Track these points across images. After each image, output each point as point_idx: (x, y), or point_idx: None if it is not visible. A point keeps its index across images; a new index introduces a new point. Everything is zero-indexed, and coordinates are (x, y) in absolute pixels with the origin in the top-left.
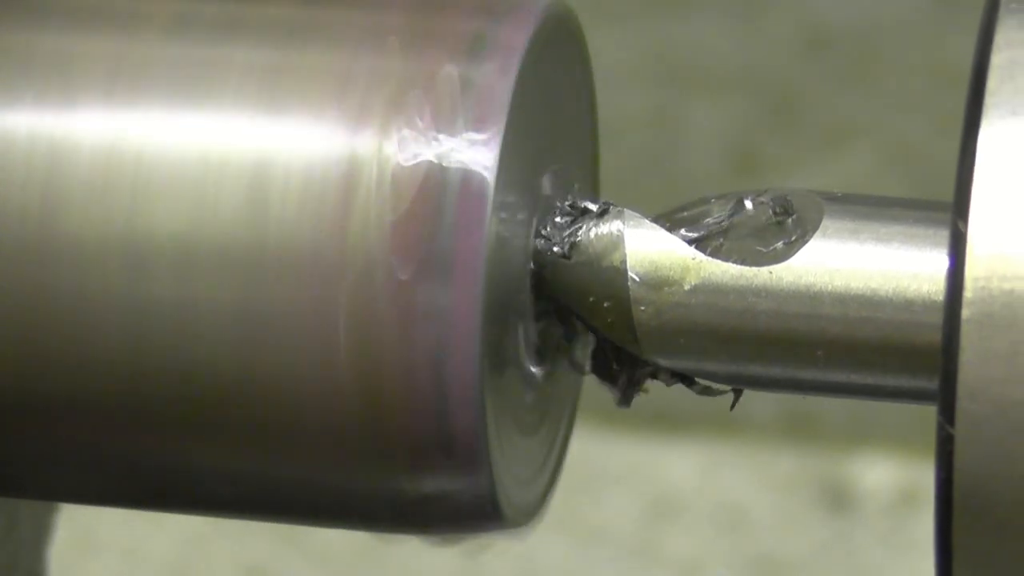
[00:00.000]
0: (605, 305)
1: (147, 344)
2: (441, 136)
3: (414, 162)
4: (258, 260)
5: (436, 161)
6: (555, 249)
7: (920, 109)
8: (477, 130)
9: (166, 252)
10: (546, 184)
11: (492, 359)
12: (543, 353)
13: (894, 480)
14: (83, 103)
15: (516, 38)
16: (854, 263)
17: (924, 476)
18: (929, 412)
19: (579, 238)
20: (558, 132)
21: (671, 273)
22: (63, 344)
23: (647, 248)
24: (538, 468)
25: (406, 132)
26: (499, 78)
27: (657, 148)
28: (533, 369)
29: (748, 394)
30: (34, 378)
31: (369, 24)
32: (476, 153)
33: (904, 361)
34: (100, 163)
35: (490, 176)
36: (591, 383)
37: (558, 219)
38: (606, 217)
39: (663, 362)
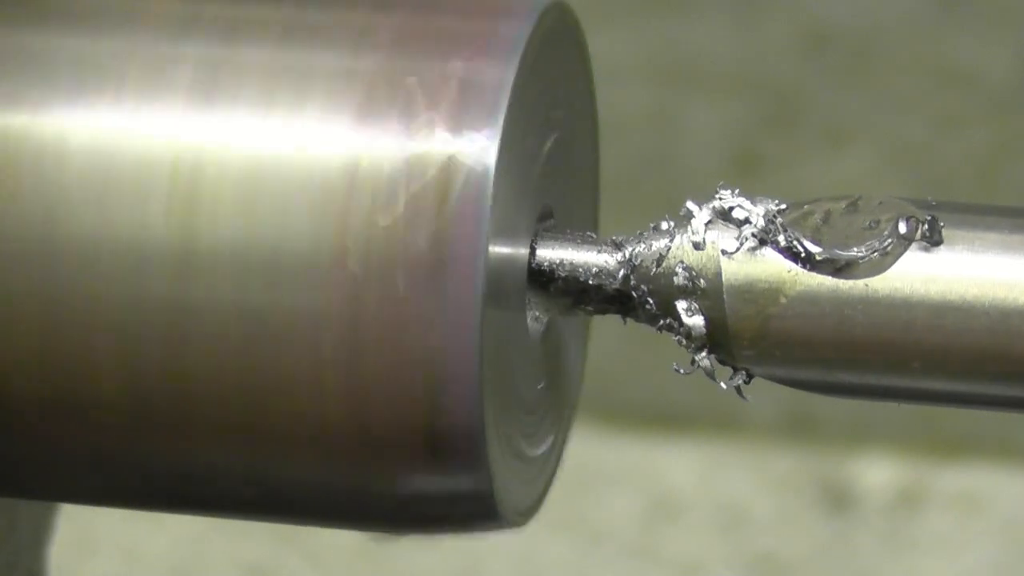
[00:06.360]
0: (697, 316)
1: (146, 345)
2: (439, 135)
3: (413, 161)
4: (254, 261)
5: (435, 160)
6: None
7: (920, 109)
8: (476, 129)
9: (164, 253)
10: (546, 182)
11: (491, 357)
12: (541, 350)
13: (894, 480)
14: (90, 104)
15: (515, 37)
16: (949, 273)
17: (924, 476)
18: (930, 412)
19: (663, 249)
20: (558, 130)
21: (767, 286)
22: (62, 345)
23: (742, 260)
24: (537, 468)
25: (405, 132)
26: (498, 77)
27: (657, 148)
28: (531, 367)
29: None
30: (34, 379)
31: (369, 24)
32: (476, 152)
33: (1001, 371)
34: (102, 164)
35: (490, 175)
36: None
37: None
38: (702, 230)
39: (757, 371)
